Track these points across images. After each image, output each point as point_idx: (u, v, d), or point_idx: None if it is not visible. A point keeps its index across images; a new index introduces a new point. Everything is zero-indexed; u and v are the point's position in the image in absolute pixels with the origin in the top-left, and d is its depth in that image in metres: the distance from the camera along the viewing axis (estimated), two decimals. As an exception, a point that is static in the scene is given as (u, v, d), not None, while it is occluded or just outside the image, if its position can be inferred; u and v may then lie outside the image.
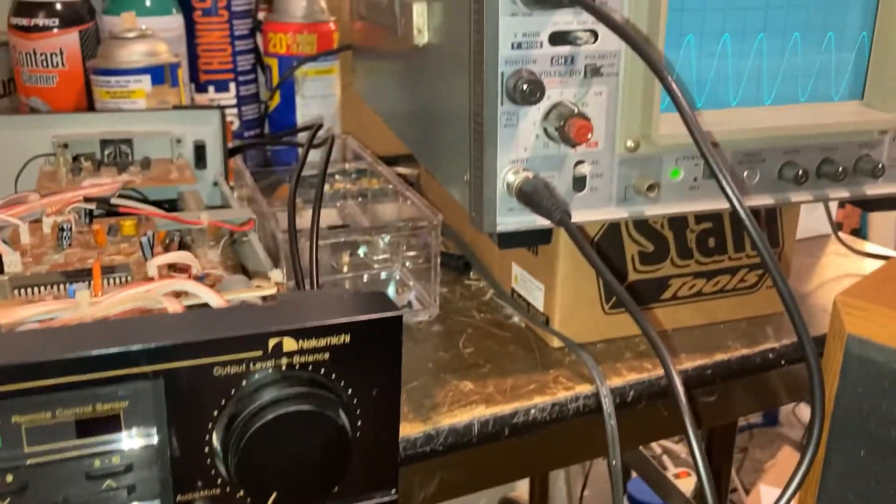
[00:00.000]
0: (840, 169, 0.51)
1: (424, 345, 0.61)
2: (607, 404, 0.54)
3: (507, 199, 0.48)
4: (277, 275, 0.44)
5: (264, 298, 0.43)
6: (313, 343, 0.34)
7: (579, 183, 0.49)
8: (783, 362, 0.62)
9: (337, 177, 0.87)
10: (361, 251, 0.75)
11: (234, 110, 0.93)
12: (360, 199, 0.85)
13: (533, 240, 0.51)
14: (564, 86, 0.47)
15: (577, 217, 0.50)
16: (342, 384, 0.35)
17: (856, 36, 0.51)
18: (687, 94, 0.50)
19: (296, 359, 0.34)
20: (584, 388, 0.55)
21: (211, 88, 0.92)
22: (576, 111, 0.45)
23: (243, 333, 0.33)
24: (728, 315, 0.64)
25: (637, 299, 0.61)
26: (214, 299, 0.40)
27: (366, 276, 0.72)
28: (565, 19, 0.45)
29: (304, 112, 0.92)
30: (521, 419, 0.53)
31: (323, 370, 0.35)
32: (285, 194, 0.85)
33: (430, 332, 0.63)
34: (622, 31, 0.38)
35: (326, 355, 0.35)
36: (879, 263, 0.74)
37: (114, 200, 0.59)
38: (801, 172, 0.50)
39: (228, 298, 0.42)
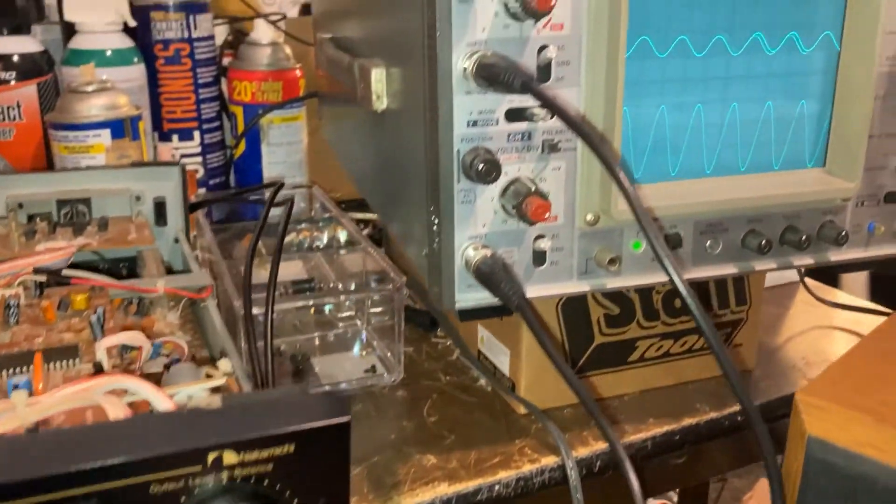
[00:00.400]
0: (804, 237, 0.50)
1: (388, 413, 0.59)
2: (573, 476, 0.53)
3: (466, 276, 0.47)
4: (227, 365, 0.43)
5: (214, 389, 0.42)
6: (255, 455, 0.33)
7: (539, 257, 0.48)
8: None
9: (304, 225, 0.86)
10: (327, 308, 0.74)
11: (199, 158, 0.92)
12: (327, 248, 0.83)
13: (495, 313, 0.50)
14: (522, 161, 0.46)
15: (538, 292, 0.49)
16: (287, 495, 0.34)
17: (814, 104, 0.51)
18: (661, 165, 0.49)
19: (237, 471, 0.33)
20: (550, 460, 0.54)
21: (175, 137, 0.90)
22: (533, 189, 0.44)
23: (181, 449, 0.32)
24: (697, 374, 0.64)
25: (604, 362, 0.60)
26: (157, 399, 0.38)
27: (331, 336, 0.71)
28: (521, 97, 0.44)
29: (270, 159, 0.91)
30: (484, 496, 0.51)
31: (267, 481, 0.33)
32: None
33: (395, 399, 0.61)
34: (571, 122, 0.37)
35: (270, 466, 0.33)
36: (847, 314, 0.74)
37: (65, 272, 0.57)
38: (764, 242, 0.50)
39: (174, 393, 0.40)
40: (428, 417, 0.59)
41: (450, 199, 0.45)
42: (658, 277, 0.51)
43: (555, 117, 0.46)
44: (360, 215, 0.86)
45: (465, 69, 0.43)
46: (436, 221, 0.46)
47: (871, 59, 0.48)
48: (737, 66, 0.48)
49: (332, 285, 0.76)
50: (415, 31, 0.45)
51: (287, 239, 0.87)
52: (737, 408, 0.60)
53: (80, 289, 0.56)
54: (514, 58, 0.44)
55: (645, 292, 0.59)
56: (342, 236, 0.81)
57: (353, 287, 0.74)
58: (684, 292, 0.36)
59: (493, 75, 0.41)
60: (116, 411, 0.37)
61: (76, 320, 0.54)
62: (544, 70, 0.45)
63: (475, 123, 0.45)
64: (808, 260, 0.52)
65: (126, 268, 0.70)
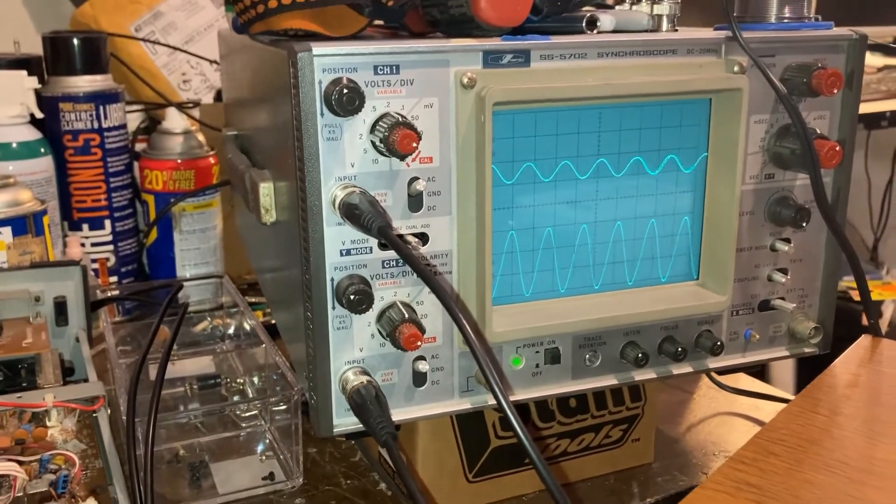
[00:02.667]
0: (679, 349, 0.52)
1: (283, 524, 0.59)
2: (464, 590, 0.53)
3: (344, 401, 0.47)
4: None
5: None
6: None
7: (420, 378, 0.49)
8: (648, 523, 0.61)
9: (217, 313, 0.85)
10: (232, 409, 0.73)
11: (111, 247, 0.91)
12: (236, 337, 0.83)
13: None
14: (398, 286, 0.47)
15: (420, 412, 0.49)
16: None
17: (678, 220, 0.53)
18: (517, 287, 0.50)
19: None
20: (442, 574, 0.54)
21: (85, 226, 0.89)
22: (406, 316, 0.45)
23: None
24: (595, 471, 0.64)
25: (501, 465, 0.60)
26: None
27: (236, 436, 0.70)
28: (398, 239, 0.45)
29: (183, 246, 0.91)
30: None
31: None
32: (164, 337, 0.83)
33: (292, 508, 0.61)
34: (416, 266, 0.38)
35: None
36: (749, 400, 0.76)
37: (-54, 393, 0.56)
38: (640, 355, 0.51)
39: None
40: (324, 528, 0.58)
41: (324, 326, 0.45)
42: (540, 392, 0.52)
43: (428, 244, 0.46)
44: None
45: (334, 202, 0.44)
46: (311, 347, 0.46)
47: (734, 180, 0.50)
48: (619, 188, 0.50)
49: (238, 380, 0.75)
50: (290, 158, 0.46)
51: (199, 326, 0.86)
52: (634, 506, 0.61)
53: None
54: (385, 189, 0.45)
55: (539, 394, 0.60)
56: (248, 326, 0.81)
57: (256, 381, 0.73)
58: (511, 418, 0.37)
59: (354, 216, 0.41)
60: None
61: (-46, 445, 0.53)
62: (416, 200, 0.46)
63: (349, 252, 0.45)
64: (686, 368, 0.54)
65: (25, 369, 0.69)
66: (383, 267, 0.46)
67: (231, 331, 0.84)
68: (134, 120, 0.99)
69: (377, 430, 0.43)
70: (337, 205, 0.43)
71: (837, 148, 0.49)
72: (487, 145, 0.44)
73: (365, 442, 0.66)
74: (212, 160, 0.91)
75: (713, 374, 0.78)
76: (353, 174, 0.44)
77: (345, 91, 0.41)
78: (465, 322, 0.40)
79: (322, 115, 0.42)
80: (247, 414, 0.72)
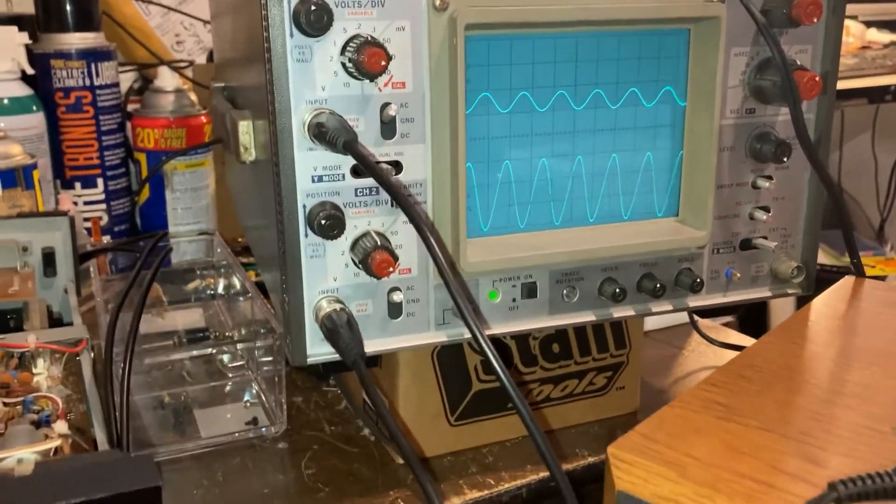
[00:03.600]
0: (658, 285, 0.51)
1: (264, 466, 0.59)
2: (443, 528, 0.53)
3: (318, 331, 0.47)
4: (62, 427, 0.42)
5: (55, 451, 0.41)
6: (59, 523, 0.32)
7: (395, 309, 0.48)
8: (631, 467, 0.61)
9: (208, 272, 0.85)
10: (225, 357, 0.73)
11: (103, 205, 0.91)
12: (226, 294, 0.83)
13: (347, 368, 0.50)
14: (372, 215, 0.47)
15: (396, 343, 0.49)
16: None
17: (672, 157, 0.52)
18: (510, 217, 0.50)
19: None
20: (421, 512, 0.53)
21: (77, 184, 0.90)
22: (378, 244, 0.45)
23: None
24: (580, 418, 0.64)
25: (484, 409, 0.60)
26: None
27: (223, 386, 0.70)
28: (366, 152, 0.45)
29: (175, 205, 0.91)
30: (348, 550, 0.51)
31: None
32: (156, 295, 0.83)
33: (275, 451, 0.61)
34: (386, 183, 0.38)
35: (76, 534, 0.33)
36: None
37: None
38: (618, 290, 0.51)
39: (4, 457, 0.40)
40: (305, 470, 0.58)
41: (297, 253, 0.45)
42: (517, 326, 0.51)
43: (402, 172, 0.46)
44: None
45: (305, 126, 0.43)
46: (283, 276, 0.46)
47: (713, 113, 0.50)
48: (582, 120, 0.49)
49: (227, 334, 0.75)
50: (262, 86, 0.45)
51: (191, 285, 0.86)
52: (615, 452, 0.61)
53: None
54: (357, 115, 0.44)
55: (521, 338, 0.60)
56: (238, 283, 0.81)
57: (245, 333, 0.73)
58: (486, 350, 0.36)
59: (321, 135, 0.41)
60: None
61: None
62: (389, 126, 0.45)
63: (321, 179, 0.45)
64: (666, 306, 0.54)
65: (14, 319, 0.69)
66: (356, 195, 0.46)
67: (221, 289, 0.84)
68: (127, 80, 0.99)
69: (346, 351, 0.43)
70: (307, 127, 0.43)
71: (817, 78, 0.48)
72: (460, 70, 0.44)
73: (350, 389, 0.66)
74: (203, 119, 0.91)
75: (702, 329, 0.78)
76: (325, 97, 0.44)
77: (313, 8, 0.40)
78: (436, 247, 0.40)
79: (292, 35, 0.42)
80: (233, 364, 0.72)
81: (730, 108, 0.51)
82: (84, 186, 0.90)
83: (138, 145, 0.90)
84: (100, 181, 0.90)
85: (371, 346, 0.48)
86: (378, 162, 0.46)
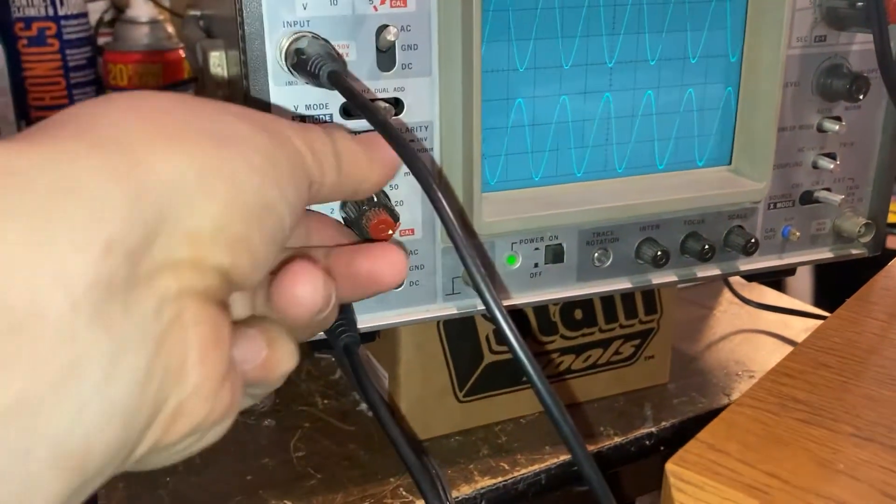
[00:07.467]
0: (706, 247, 0.43)
1: (249, 448, 0.52)
2: (451, 522, 0.46)
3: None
4: None
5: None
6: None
7: (395, 278, 0.41)
8: (662, 448, 0.54)
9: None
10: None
11: (74, 150, 0.83)
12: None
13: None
14: (367, 165, 0.38)
15: (399, 318, 0.41)
16: None
17: (720, 93, 0.44)
18: (522, 169, 0.42)
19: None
20: (426, 503, 0.47)
21: (44, 126, 0.81)
22: (375, 200, 0.37)
23: None
24: (603, 392, 0.57)
25: (496, 383, 0.53)
26: None
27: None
28: (357, 86, 0.37)
29: (153, 151, 0.82)
30: (344, 550, 0.44)
31: None
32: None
33: (261, 430, 0.54)
34: (383, 125, 0.30)
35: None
36: (775, 316, 0.68)
37: None
38: (660, 253, 0.43)
39: None
40: (294, 453, 0.52)
41: (277, 212, 0.37)
42: (539, 296, 0.44)
43: (403, 113, 0.38)
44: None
45: (282, 54, 0.35)
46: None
47: (779, 41, 0.41)
48: (618, 52, 0.41)
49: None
50: (233, 7, 0.37)
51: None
52: (645, 430, 0.54)
53: None
54: (347, 40, 0.36)
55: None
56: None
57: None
58: (500, 318, 0.29)
59: (301, 64, 0.33)
60: None
61: None
62: (387, 55, 0.37)
63: (303, 119, 0.37)
64: (714, 270, 0.46)
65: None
66: (348, 140, 0.38)
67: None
68: (97, 11, 0.90)
69: (334, 332, 0.35)
70: (284, 54, 0.34)
71: (910, -3, 0.40)
72: (475, -16, 0.35)
73: (345, 358, 0.59)
74: (182, 53, 0.82)
75: (735, 289, 0.70)
76: (306, 18, 0.35)
77: None
78: (444, 204, 0.32)
79: (264, -62, 0.33)
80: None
81: (796, 35, 0.43)
82: (52, 129, 0.81)
83: (111, 83, 0.82)
84: (69, 123, 0.82)
85: (367, 321, 0.40)
86: (373, 99, 0.37)
